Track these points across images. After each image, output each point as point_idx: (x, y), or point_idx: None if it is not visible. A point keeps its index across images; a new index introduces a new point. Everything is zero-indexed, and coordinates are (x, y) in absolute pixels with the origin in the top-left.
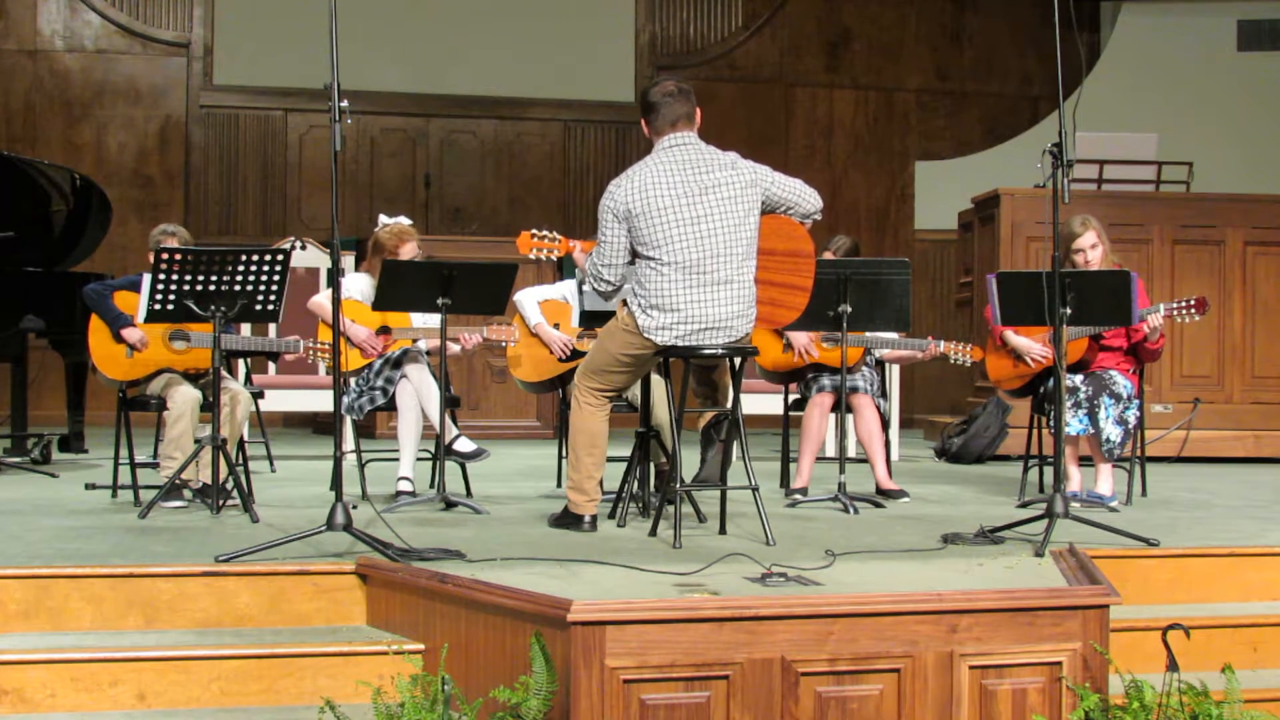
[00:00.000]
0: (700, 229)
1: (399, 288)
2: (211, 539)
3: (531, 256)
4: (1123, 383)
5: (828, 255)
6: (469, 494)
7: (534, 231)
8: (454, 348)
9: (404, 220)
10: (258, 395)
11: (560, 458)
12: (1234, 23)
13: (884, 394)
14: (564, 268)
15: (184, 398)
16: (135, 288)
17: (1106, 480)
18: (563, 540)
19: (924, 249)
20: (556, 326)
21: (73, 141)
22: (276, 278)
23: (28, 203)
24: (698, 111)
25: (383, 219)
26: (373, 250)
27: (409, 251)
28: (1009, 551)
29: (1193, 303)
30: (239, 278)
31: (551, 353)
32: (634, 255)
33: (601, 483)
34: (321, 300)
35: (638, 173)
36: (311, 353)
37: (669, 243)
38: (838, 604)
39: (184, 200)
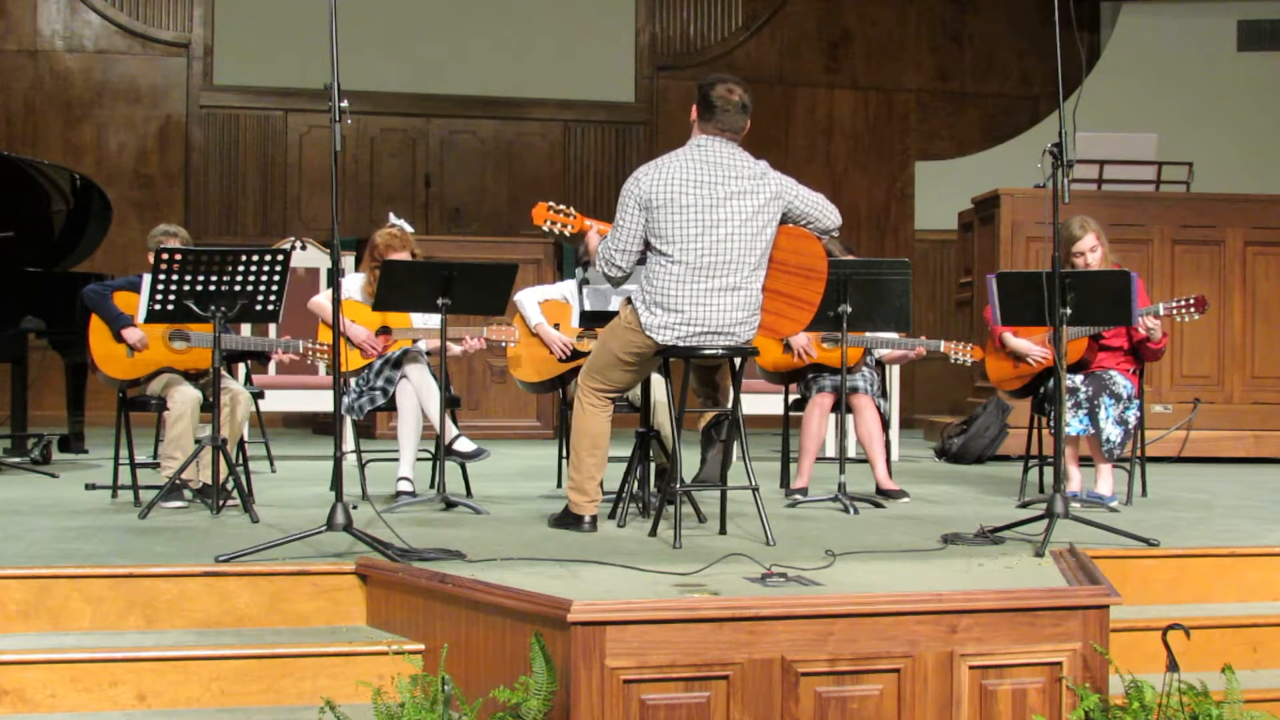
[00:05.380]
0: (718, 233)
1: (399, 288)
2: (211, 539)
3: (545, 229)
4: (1123, 383)
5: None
6: (469, 494)
7: (550, 204)
8: (455, 348)
9: (406, 226)
10: (258, 395)
11: (560, 458)
12: (1234, 23)
13: (884, 394)
14: (564, 268)
15: (184, 398)
16: (135, 288)
17: (1106, 480)
18: (563, 540)
19: (924, 249)
20: (557, 327)
21: (73, 141)
22: (276, 278)
23: (28, 203)
24: (748, 126)
25: (391, 218)
26: (367, 249)
27: (398, 258)
28: (1009, 551)
29: (1192, 302)
30: (239, 278)
31: (551, 353)
32: (646, 246)
33: (602, 483)
34: (321, 300)
35: (667, 164)
36: (311, 353)
37: (684, 241)
38: (838, 604)
39: (184, 200)
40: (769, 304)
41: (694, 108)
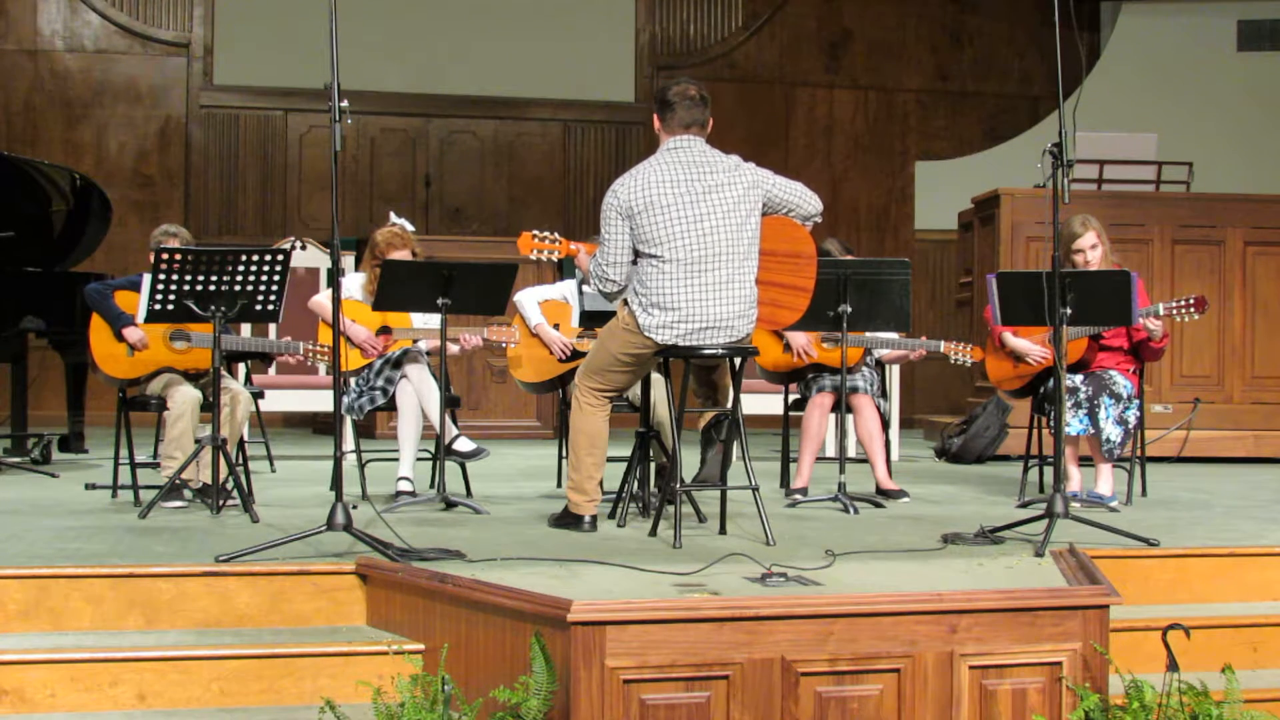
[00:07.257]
0: (702, 227)
1: (399, 288)
2: (211, 539)
3: (532, 257)
4: (1123, 383)
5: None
6: (469, 494)
7: (535, 233)
8: (454, 348)
9: (406, 225)
10: (258, 395)
11: (560, 458)
12: (1234, 23)
13: (884, 394)
14: (564, 267)
15: (184, 398)
16: (135, 287)
17: (1106, 480)
18: (563, 540)
19: (924, 249)
20: (557, 327)
21: (73, 141)
22: (276, 278)
23: (28, 203)
24: (710, 120)
25: (392, 217)
26: (368, 248)
27: (399, 257)
28: (1009, 551)
29: (1192, 302)
30: (239, 278)
31: (551, 353)
32: (636, 254)
33: (601, 483)
34: (322, 300)
35: (641, 172)
36: (311, 355)
37: (670, 240)
38: (838, 604)
39: (184, 200)
40: (765, 295)
41: (654, 118)
